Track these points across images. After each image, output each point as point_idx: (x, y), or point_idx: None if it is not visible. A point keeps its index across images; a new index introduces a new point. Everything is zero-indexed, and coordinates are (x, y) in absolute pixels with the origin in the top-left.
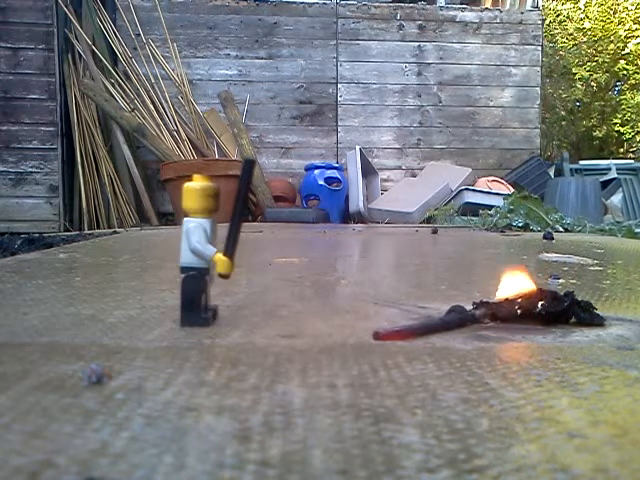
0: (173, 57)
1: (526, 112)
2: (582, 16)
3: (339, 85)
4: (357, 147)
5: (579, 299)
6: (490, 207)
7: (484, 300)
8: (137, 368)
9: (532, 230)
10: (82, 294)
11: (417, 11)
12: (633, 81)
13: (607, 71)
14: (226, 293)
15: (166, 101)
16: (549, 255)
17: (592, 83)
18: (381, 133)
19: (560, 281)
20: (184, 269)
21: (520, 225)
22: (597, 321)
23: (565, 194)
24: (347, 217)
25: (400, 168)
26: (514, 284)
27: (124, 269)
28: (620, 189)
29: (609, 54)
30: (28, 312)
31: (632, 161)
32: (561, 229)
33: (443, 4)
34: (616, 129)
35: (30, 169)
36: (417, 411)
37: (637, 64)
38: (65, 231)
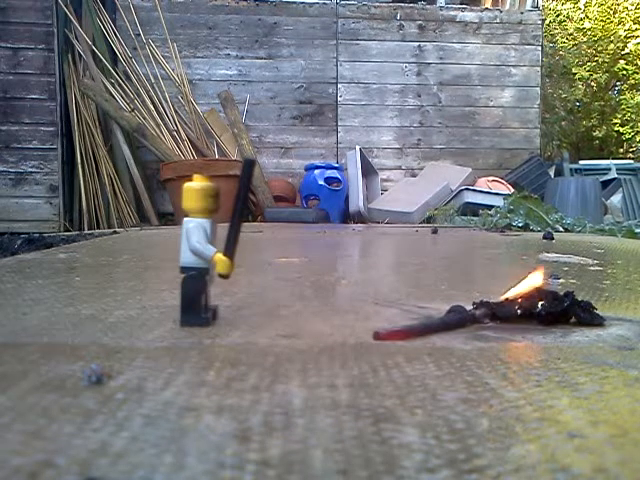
0: (173, 57)
1: (526, 112)
2: (582, 16)
3: (339, 85)
4: (357, 147)
5: (579, 299)
6: (490, 207)
7: (484, 300)
8: (137, 368)
9: (532, 230)
10: (82, 294)
11: (417, 11)
12: (633, 81)
13: (607, 71)
14: (226, 293)
15: (166, 101)
16: (549, 255)
17: (592, 83)
18: (381, 133)
19: (560, 281)
20: (184, 269)
21: (520, 225)
22: (597, 321)
23: (565, 194)
24: (347, 217)
25: (400, 168)
26: (530, 282)
27: (124, 269)
28: (620, 189)
29: (609, 54)
30: (28, 312)
31: (632, 161)
32: (561, 229)
33: (443, 4)
34: (616, 129)
35: (30, 169)
36: (417, 411)
37: (637, 64)
38: (65, 231)
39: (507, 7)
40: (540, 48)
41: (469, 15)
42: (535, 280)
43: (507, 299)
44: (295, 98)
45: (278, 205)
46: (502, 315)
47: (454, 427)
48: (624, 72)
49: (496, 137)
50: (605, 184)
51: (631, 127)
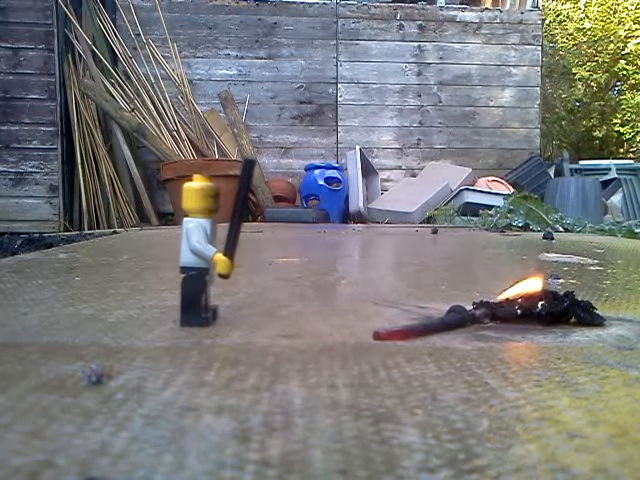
0: (173, 57)
1: (526, 112)
2: (582, 16)
3: (339, 85)
4: (357, 147)
5: (579, 299)
6: (490, 207)
7: (484, 300)
8: (137, 368)
9: (532, 230)
10: (82, 294)
11: (417, 11)
12: (633, 81)
13: (607, 71)
14: (226, 293)
15: (166, 101)
16: (549, 255)
17: (592, 83)
18: (381, 133)
19: (560, 281)
20: (184, 269)
21: (520, 225)
22: (597, 321)
23: (565, 194)
24: (347, 217)
25: (400, 168)
26: (525, 286)
27: (124, 269)
28: (620, 189)
29: (609, 54)
30: (28, 312)
31: (632, 161)
32: (561, 229)
33: (443, 4)
34: (616, 129)
35: (30, 169)
36: (417, 411)
37: (637, 64)
38: (65, 231)
39: (507, 7)
40: (540, 48)
41: (469, 15)
42: (532, 285)
43: (507, 299)
44: (295, 98)
45: (278, 205)
46: (502, 315)
47: (454, 427)
48: (624, 72)
49: (496, 137)
50: (605, 184)
51: (631, 127)
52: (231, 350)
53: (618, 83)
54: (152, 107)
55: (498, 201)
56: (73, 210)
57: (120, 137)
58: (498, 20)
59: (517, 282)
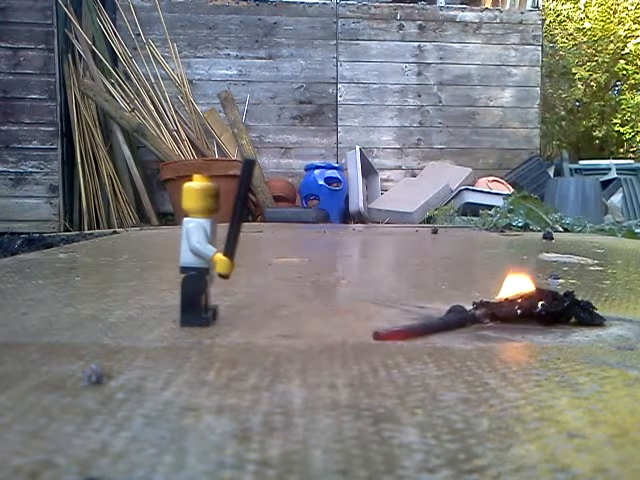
0: (173, 57)
1: (526, 112)
2: (582, 16)
3: (339, 85)
4: (357, 147)
5: (579, 299)
6: (490, 207)
7: (484, 300)
8: (137, 368)
9: (532, 230)
10: (82, 294)
11: (417, 11)
12: (633, 81)
13: (607, 71)
14: (226, 293)
15: (166, 101)
16: (549, 255)
17: (592, 83)
18: (381, 133)
19: (560, 281)
20: (184, 269)
21: (520, 225)
22: (597, 321)
23: (565, 194)
24: (347, 217)
25: (400, 168)
26: (515, 285)
27: (124, 269)
28: (620, 189)
29: (609, 54)
30: (28, 312)
31: (632, 161)
32: (561, 229)
33: (443, 4)
34: (616, 129)
35: (30, 169)
36: (417, 411)
37: (637, 64)
38: (65, 231)
39: (507, 7)
40: (540, 48)
41: (469, 15)
42: (521, 284)
43: (507, 299)
44: (295, 98)
45: (278, 205)
46: (502, 315)
47: (454, 427)
48: (624, 72)
49: (496, 137)
50: (605, 184)
51: (631, 127)
52: (231, 350)
53: (618, 83)
54: (152, 107)
55: (498, 201)
56: (73, 210)
57: (120, 137)
58: (498, 20)
59: (505, 279)
